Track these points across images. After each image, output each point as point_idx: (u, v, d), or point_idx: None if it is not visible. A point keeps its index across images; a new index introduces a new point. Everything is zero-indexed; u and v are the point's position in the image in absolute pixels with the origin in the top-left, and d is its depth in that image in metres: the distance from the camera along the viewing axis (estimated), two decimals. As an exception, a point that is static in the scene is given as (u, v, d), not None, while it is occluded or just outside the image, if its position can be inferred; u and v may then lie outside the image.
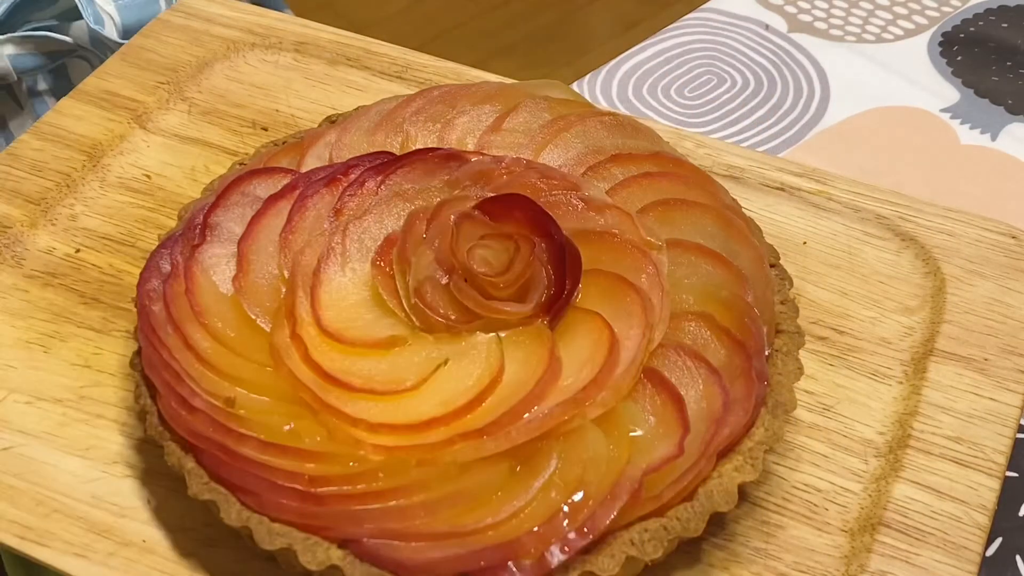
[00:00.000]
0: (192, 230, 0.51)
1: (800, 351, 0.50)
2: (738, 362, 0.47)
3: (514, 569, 0.42)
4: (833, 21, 0.82)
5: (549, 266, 0.48)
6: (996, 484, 0.50)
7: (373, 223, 0.50)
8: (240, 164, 0.57)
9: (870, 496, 0.49)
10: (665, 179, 0.53)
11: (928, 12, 0.83)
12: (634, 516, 0.44)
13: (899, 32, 0.81)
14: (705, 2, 0.84)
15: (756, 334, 0.48)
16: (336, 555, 0.43)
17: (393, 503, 0.43)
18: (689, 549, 0.47)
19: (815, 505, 0.49)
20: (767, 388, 0.48)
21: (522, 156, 0.54)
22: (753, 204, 0.60)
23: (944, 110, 0.75)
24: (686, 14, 0.83)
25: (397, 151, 0.55)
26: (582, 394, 0.44)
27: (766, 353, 0.49)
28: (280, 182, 0.53)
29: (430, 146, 0.55)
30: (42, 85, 0.80)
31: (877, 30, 0.81)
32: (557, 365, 0.45)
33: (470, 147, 0.56)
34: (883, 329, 0.56)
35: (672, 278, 0.49)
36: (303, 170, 0.54)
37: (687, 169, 0.55)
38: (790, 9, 0.82)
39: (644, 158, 0.55)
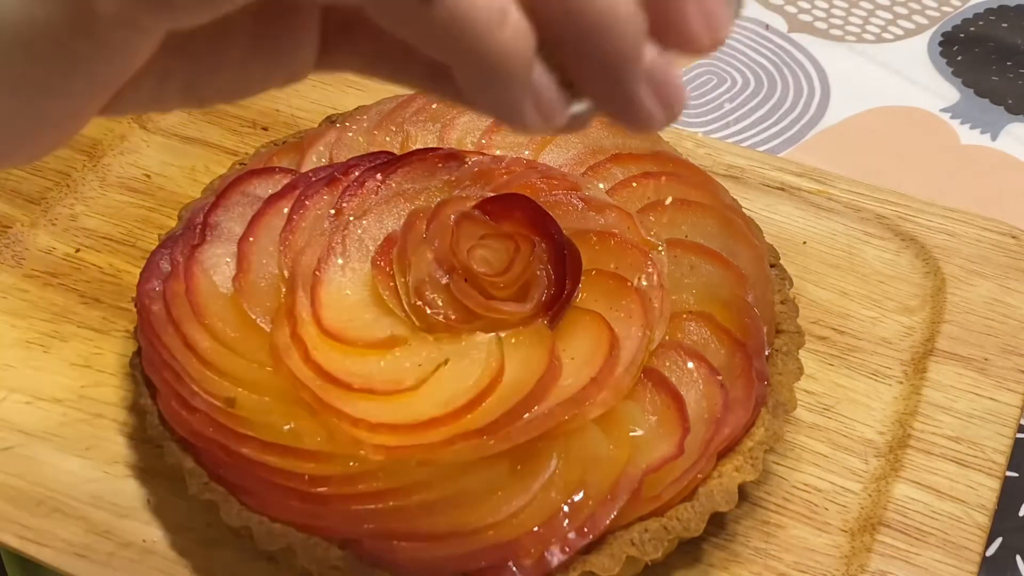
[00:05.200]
0: (192, 230, 0.51)
1: (800, 351, 0.50)
2: (738, 362, 0.47)
3: (514, 569, 0.42)
4: (833, 21, 0.82)
5: (549, 266, 0.48)
6: (996, 484, 0.50)
7: (373, 223, 0.50)
8: (240, 164, 0.57)
9: (870, 496, 0.49)
10: (665, 179, 0.53)
11: (928, 12, 0.83)
12: (634, 516, 0.44)
13: (899, 32, 0.81)
14: (705, 2, 0.84)
15: (756, 334, 0.48)
16: (336, 555, 0.43)
17: (393, 503, 0.43)
18: (689, 549, 0.47)
19: (815, 505, 0.49)
20: (767, 388, 0.48)
21: (522, 156, 0.54)
22: (753, 204, 0.59)
23: (944, 110, 0.75)
24: (686, 14, 0.83)
25: (397, 151, 0.55)
26: (582, 394, 0.44)
27: (766, 353, 0.49)
28: (280, 182, 0.53)
29: (430, 146, 0.55)
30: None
31: (877, 30, 0.81)
32: (557, 365, 0.45)
33: (470, 147, 0.55)
34: (883, 329, 0.56)
35: (672, 278, 0.49)
36: (303, 170, 0.54)
37: (687, 169, 0.55)
38: (790, 9, 0.82)
39: (644, 158, 0.55)
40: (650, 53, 0.28)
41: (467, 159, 0.53)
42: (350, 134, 0.56)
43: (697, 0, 0.28)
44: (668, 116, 0.29)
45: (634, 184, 0.53)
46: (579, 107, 0.29)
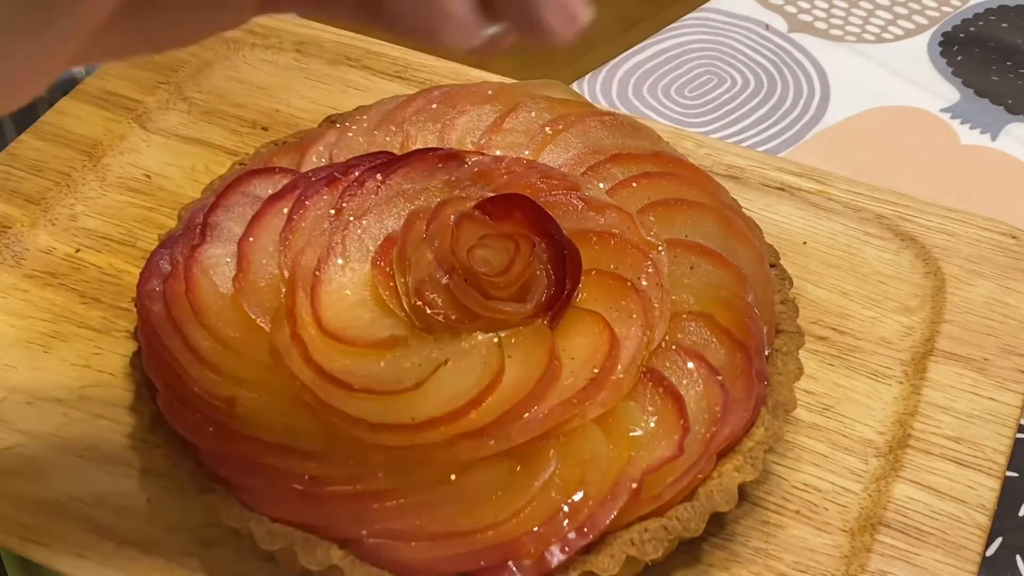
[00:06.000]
0: (192, 230, 0.51)
1: (800, 351, 0.50)
2: (738, 362, 0.47)
3: (514, 569, 0.42)
4: (833, 21, 0.82)
5: (549, 266, 0.48)
6: (996, 484, 0.50)
7: (373, 223, 0.50)
8: (240, 164, 0.57)
9: (870, 496, 0.49)
10: (665, 179, 0.53)
11: (928, 12, 0.83)
12: (634, 516, 0.44)
13: (899, 32, 0.81)
14: (705, 2, 0.84)
15: (756, 334, 0.48)
16: (336, 555, 0.43)
17: (393, 503, 0.43)
18: (689, 549, 0.47)
19: (815, 505, 0.49)
20: (767, 388, 0.48)
21: (522, 156, 0.54)
22: (753, 204, 0.59)
23: (944, 110, 0.75)
24: (686, 14, 0.83)
25: (397, 151, 0.55)
26: (582, 394, 0.44)
27: (766, 353, 0.49)
28: (280, 182, 0.53)
29: (430, 146, 0.55)
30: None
31: (877, 30, 0.81)
32: (557, 365, 0.45)
33: (470, 147, 0.55)
34: (883, 329, 0.56)
35: (672, 278, 0.49)
36: (303, 170, 0.54)
37: (687, 169, 0.55)
38: (790, 9, 0.82)
39: (644, 158, 0.55)
40: None
41: (467, 159, 0.53)
42: (350, 134, 0.56)
43: None
44: (572, 31, 0.35)
45: (634, 184, 0.53)
46: (494, 29, 0.35)
